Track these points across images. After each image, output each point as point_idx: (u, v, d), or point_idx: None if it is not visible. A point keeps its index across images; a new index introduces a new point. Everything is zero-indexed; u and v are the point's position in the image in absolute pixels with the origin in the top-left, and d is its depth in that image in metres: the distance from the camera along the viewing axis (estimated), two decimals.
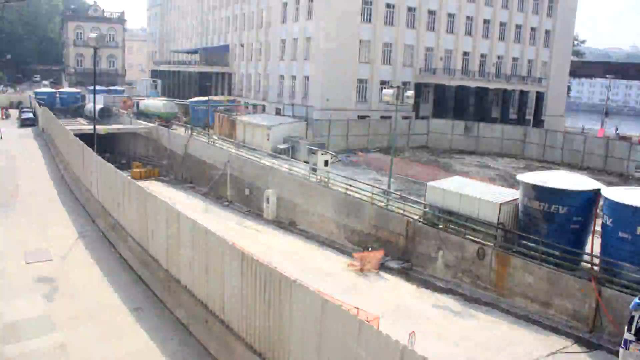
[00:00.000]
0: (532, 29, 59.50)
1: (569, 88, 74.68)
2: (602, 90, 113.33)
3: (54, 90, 65.87)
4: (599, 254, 17.60)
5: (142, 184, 23.27)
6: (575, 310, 16.60)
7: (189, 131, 42.07)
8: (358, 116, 46.98)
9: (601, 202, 18.10)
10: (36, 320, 14.74)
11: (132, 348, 13.66)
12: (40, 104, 54.63)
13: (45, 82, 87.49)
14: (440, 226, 21.21)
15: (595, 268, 17.15)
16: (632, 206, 16.44)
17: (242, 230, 27.47)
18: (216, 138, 39.89)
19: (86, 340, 13.87)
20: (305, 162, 33.08)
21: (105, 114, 50.48)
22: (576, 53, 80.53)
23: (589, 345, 15.72)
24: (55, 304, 15.96)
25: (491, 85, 52.76)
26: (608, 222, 17.26)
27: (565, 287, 16.88)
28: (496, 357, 15.12)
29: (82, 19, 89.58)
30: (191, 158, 39.04)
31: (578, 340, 15.94)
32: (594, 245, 18.08)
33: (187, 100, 55.29)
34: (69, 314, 15.20)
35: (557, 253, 17.65)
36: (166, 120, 48.31)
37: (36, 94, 61.73)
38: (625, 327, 13.19)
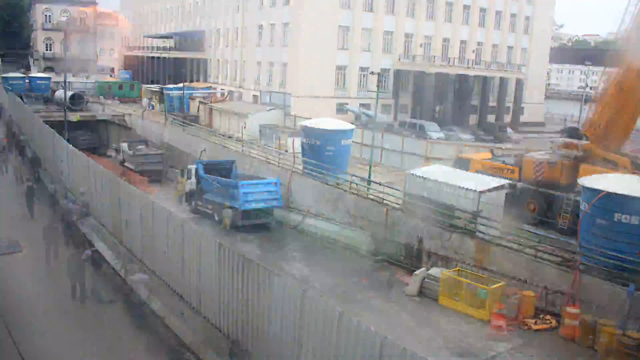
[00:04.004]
0: (512, 15, 59.67)
1: (548, 75, 75.36)
2: (582, 77, 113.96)
3: (23, 75, 63.37)
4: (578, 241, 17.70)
5: None
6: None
7: (164, 119, 41.14)
8: (337, 104, 46.60)
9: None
10: None
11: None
12: (7, 90, 52.65)
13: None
14: (420, 215, 21.03)
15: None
16: (608, 193, 16.49)
17: None
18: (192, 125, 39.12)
19: None
20: (286, 151, 32.57)
21: (77, 101, 48.86)
22: (555, 39, 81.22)
23: None
24: None
25: (471, 72, 52.72)
26: (586, 210, 17.30)
27: (543, 275, 16.92)
28: None
29: (52, 1, 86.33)
30: (166, 146, 38.16)
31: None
32: None
33: (161, 87, 53.94)
34: None
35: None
36: None
37: (4, 79, 59.26)
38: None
